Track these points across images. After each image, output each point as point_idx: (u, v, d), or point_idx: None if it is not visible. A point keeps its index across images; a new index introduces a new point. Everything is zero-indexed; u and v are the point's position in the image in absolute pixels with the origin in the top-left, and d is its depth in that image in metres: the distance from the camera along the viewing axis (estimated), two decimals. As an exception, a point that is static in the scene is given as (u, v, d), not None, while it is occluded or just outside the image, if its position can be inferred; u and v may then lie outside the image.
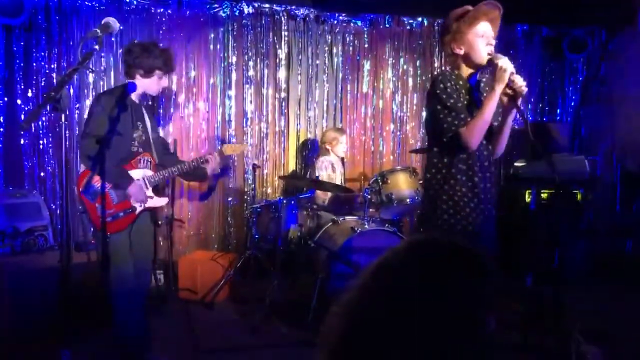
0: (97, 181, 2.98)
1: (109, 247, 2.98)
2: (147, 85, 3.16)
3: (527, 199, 5.11)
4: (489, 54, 2.40)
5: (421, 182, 4.40)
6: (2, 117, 4.64)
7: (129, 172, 3.09)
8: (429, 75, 5.85)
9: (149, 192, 3.18)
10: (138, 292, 3.13)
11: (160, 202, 3.28)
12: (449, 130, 2.40)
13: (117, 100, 2.98)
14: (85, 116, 4.70)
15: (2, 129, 4.64)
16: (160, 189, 3.58)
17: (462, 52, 2.46)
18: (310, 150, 5.56)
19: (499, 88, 2.31)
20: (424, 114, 5.81)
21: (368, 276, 0.94)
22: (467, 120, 2.38)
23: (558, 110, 6.28)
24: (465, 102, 2.45)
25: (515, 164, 5.30)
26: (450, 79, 2.45)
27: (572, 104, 6.28)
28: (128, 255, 3.06)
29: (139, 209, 3.11)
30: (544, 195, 5.08)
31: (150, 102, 5.01)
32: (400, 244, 0.97)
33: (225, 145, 3.76)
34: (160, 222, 4.95)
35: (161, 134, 4.09)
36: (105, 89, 4.87)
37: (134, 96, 3.16)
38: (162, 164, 3.31)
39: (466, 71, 2.51)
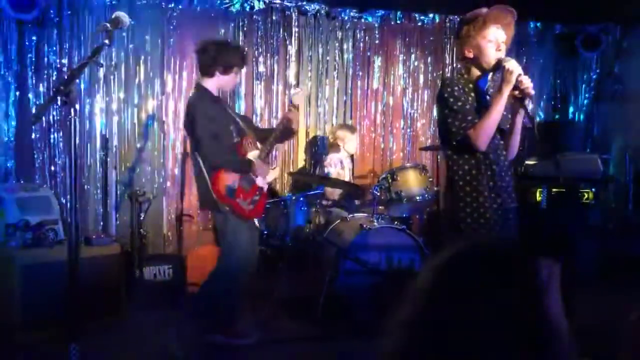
0: (229, 180, 3.19)
1: (251, 231, 3.31)
2: (225, 81, 3.30)
3: (538, 197, 5.06)
4: (497, 58, 2.41)
5: (430, 179, 4.38)
6: (13, 112, 4.66)
7: None
8: (440, 72, 5.82)
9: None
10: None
11: (274, 173, 3.60)
12: (458, 133, 2.45)
13: (207, 104, 3.18)
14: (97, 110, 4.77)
15: (14, 123, 4.66)
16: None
17: (471, 55, 2.49)
18: (319, 147, 5.53)
19: (507, 90, 2.34)
20: (435, 111, 5.79)
21: (425, 286, 0.89)
22: (474, 123, 2.41)
23: (571, 109, 6.22)
24: (475, 105, 2.48)
25: (527, 162, 5.26)
26: (458, 82, 2.50)
27: (585, 102, 6.21)
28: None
29: (264, 187, 3.40)
30: (554, 194, 5.03)
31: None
32: (452, 250, 0.93)
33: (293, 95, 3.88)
34: (185, 213, 5.00)
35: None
36: (116, 85, 4.89)
37: (215, 93, 3.30)
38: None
39: (476, 74, 2.54)
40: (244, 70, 5.24)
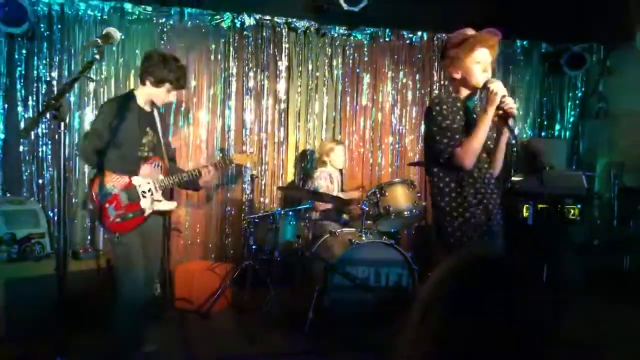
0: (109, 182, 3.05)
1: (118, 248, 3.05)
2: (154, 94, 3.22)
3: (525, 213, 5.11)
4: (484, 79, 2.48)
5: (419, 194, 4.42)
6: (2, 125, 4.65)
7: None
8: (428, 89, 5.89)
9: (158, 196, 3.23)
10: (142, 296, 3.16)
11: (168, 205, 3.33)
12: (445, 150, 2.49)
13: (120, 107, 3.07)
14: (87, 125, 4.76)
15: (2, 136, 4.64)
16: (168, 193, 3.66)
17: (459, 76, 2.56)
18: (309, 162, 5.57)
19: (491, 110, 2.42)
20: (422, 127, 5.84)
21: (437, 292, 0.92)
22: (462, 141, 2.45)
23: (557, 126, 6.32)
24: (463, 124, 2.53)
25: (513, 178, 5.32)
26: (447, 101, 2.55)
27: (571, 119, 6.32)
28: (140, 257, 3.12)
29: (147, 211, 3.16)
30: (540, 210, 5.08)
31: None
32: (463, 259, 0.95)
33: (235, 154, 3.87)
34: (173, 227, 4.94)
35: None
36: (105, 98, 4.89)
37: (142, 103, 3.22)
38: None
39: (464, 94, 2.59)
40: (234, 86, 5.31)
